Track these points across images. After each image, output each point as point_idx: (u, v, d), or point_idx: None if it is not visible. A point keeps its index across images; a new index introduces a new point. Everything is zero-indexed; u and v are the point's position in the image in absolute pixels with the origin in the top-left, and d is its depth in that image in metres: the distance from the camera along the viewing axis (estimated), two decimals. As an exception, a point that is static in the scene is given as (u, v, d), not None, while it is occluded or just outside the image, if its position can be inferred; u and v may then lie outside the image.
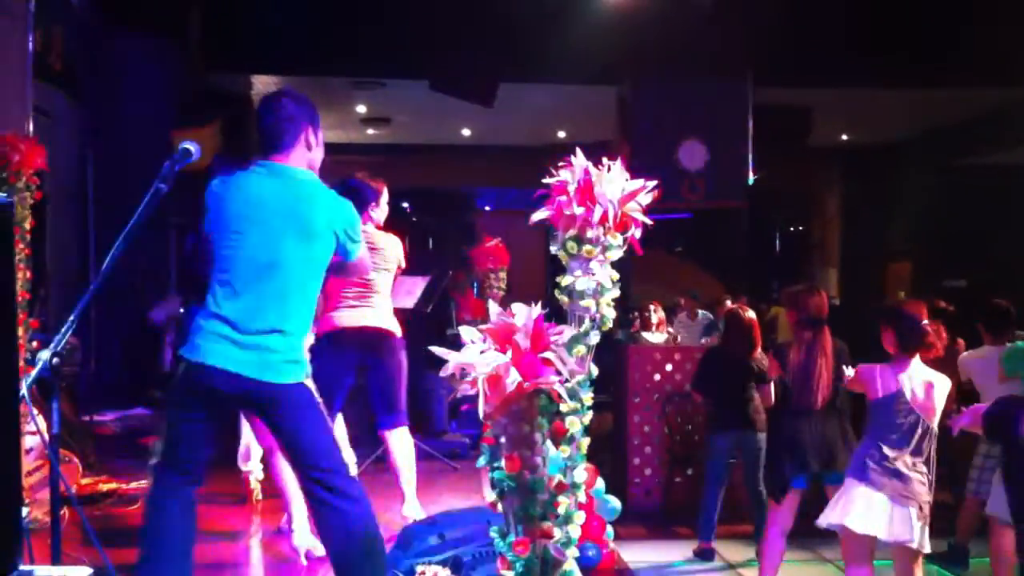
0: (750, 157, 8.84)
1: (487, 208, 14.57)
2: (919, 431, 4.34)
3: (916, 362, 4.40)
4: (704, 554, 7.13)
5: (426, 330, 7.80)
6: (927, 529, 4.30)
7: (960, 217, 12.62)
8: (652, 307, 10.26)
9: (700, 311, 11.71)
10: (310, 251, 3.20)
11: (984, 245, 12.73)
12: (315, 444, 2.99)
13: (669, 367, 8.84)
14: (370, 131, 12.93)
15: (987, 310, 6.61)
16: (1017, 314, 6.53)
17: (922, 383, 4.37)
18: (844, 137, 13.09)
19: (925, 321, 4.43)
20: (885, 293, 14.22)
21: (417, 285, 6.86)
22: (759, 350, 6.71)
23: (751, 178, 9.20)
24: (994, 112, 10.58)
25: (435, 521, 3.00)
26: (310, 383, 3.08)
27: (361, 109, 11.97)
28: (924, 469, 4.35)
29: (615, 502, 7.07)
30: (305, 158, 3.34)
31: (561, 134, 12.40)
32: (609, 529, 6.93)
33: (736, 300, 9.95)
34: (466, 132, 13.04)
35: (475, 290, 8.34)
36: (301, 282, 3.19)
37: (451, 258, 10.60)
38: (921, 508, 4.28)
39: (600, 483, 6.96)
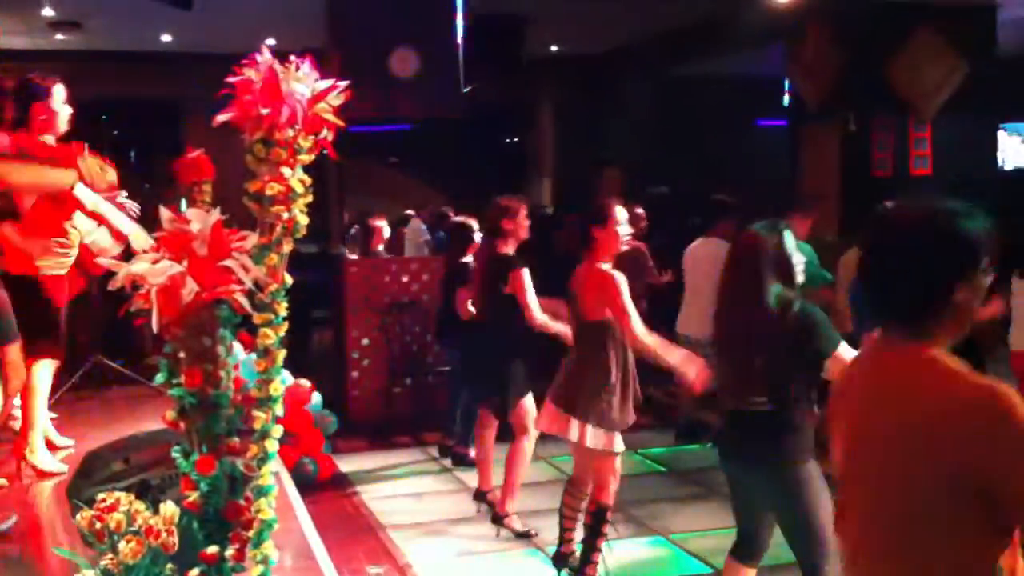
0: (461, 67, 8.79)
1: (195, 119, 13.87)
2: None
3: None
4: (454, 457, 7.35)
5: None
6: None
7: (670, 126, 13.21)
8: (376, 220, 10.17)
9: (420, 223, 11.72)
10: None
11: (693, 154, 13.41)
12: None
13: (387, 279, 8.83)
14: (59, 36, 11.94)
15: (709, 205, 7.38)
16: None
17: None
18: (555, 48, 13.33)
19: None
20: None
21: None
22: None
23: (464, 89, 9.18)
24: (704, 23, 11.02)
25: (122, 445, 2.83)
26: None
27: (48, 12, 11.02)
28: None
29: (333, 417, 7.05)
30: None
31: (271, 41, 11.91)
32: (328, 443, 6.91)
33: (459, 212, 10.01)
34: (167, 38, 12.32)
35: (182, 204, 7.91)
36: None
37: (156, 172, 10.02)
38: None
39: (317, 398, 6.89)
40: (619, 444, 4.66)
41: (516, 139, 16.24)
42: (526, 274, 5.54)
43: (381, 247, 9.68)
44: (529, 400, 5.78)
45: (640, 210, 8.51)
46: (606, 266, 4.69)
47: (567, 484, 5.13)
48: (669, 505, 6.35)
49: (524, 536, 5.77)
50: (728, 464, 3.97)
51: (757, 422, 3.73)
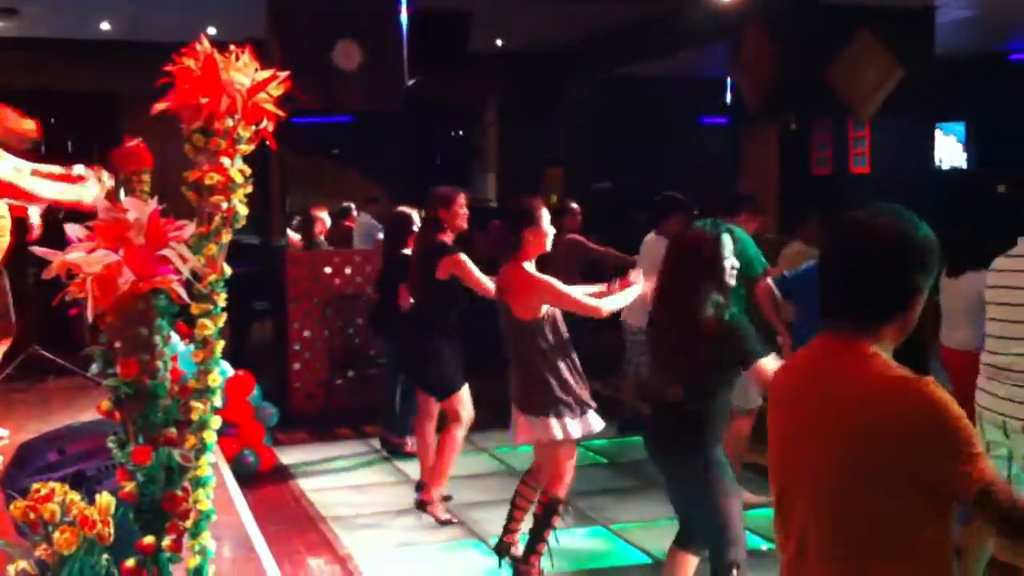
0: (405, 61, 8.77)
1: (134, 109, 13.69)
2: None
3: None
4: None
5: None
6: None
7: (614, 124, 13.29)
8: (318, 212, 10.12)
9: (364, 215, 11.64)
10: None
11: (636, 151, 13.51)
12: None
13: (328, 270, 8.79)
14: (-4, 23, 11.72)
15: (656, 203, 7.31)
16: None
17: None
18: (500, 44, 13.34)
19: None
20: (540, 196, 14.77)
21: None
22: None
23: (408, 82, 9.16)
24: (648, 22, 11.09)
25: (57, 436, 2.80)
26: None
27: (-17, -2, 10.80)
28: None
29: (274, 408, 7.01)
30: None
31: (212, 31, 11.76)
32: (269, 435, 6.87)
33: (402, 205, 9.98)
34: (105, 26, 12.13)
35: (121, 194, 7.80)
36: None
37: (94, 162, 9.87)
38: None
39: (258, 390, 6.85)
40: (575, 430, 4.70)
41: (461, 133, 16.24)
42: (464, 257, 5.60)
43: (323, 237, 9.65)
44: (463, 388, 5.82)
45: (575, 205, 8.62)
46: (530, 266, 4.74)
47: (525, 474, 5.19)
48: (611, 496, 6.41)
49: (447, 523, 5.82)
50: (651, 454, 4.10)
51: (672, 413, 3.87)
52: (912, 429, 1.98)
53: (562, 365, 4.70)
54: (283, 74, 2.55)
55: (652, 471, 6.81)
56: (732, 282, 3.84)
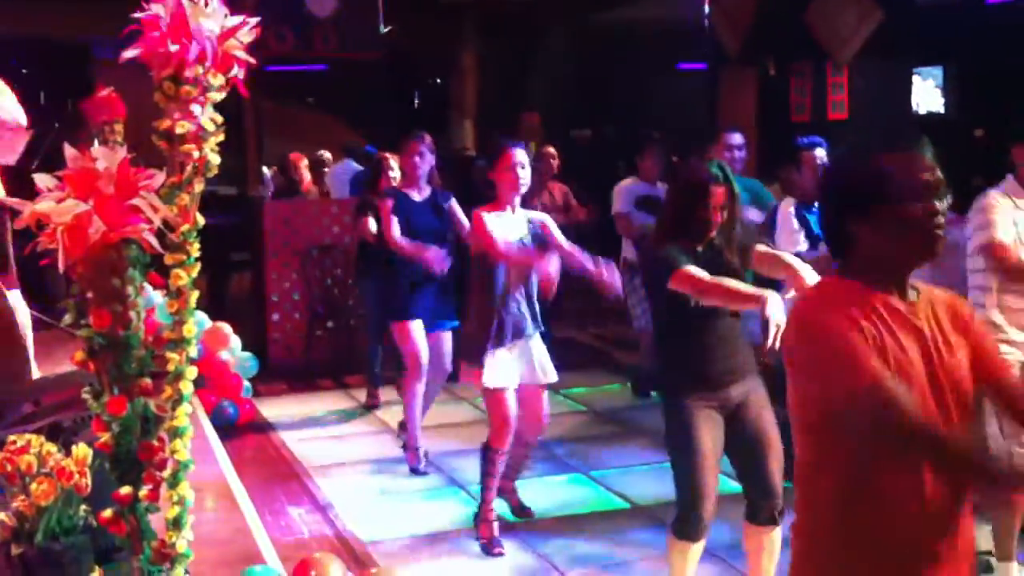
0: (381, 7, 8.68)
1: (106, 59, 13.45)
2: None
3: None
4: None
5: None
6: None
7: (590, 72, 13.21)
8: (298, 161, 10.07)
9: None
10: None
11: (608, 97, 13.44)
12: None
13: (307, 221, 8.75)
14: (-38, -29, 11.49)
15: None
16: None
17: None
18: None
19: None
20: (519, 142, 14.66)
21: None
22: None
23: (383, 29, 9.06)
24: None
25: (32, 388, 2.79)
26: None
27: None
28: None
29: (253, 359, 7.00)
30: None
31: (185, -21, 11.55)
32: (248, 385, 6.87)
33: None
34: (79, -27, 11.95)
35: (95, 145, 7.70)
36: None
37: (65, 112, 9.75)
38: None
39: (236, 341, 6.84)
40: (492, 379, 4.63)
41: (438, 81, 16.11)
42: (387, 204, 5.84)
43: (308, 177, 9.63)
44: (405, 327, 5.85)
45: (551, 149, 8.59)
46: (488, 211, 4.66)
47: None
48: (589, 443, 6.46)
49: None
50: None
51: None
52: (793, 348, 2.08)
53: (484, 307, 4.65)
54: (253, 20, 2.51)
55: (629, 418, 6.92)
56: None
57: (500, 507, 5.01)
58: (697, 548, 3.74)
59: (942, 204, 2.02)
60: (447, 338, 5.92)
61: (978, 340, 2.11)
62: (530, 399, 4.83)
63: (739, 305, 3.50)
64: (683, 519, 3.68)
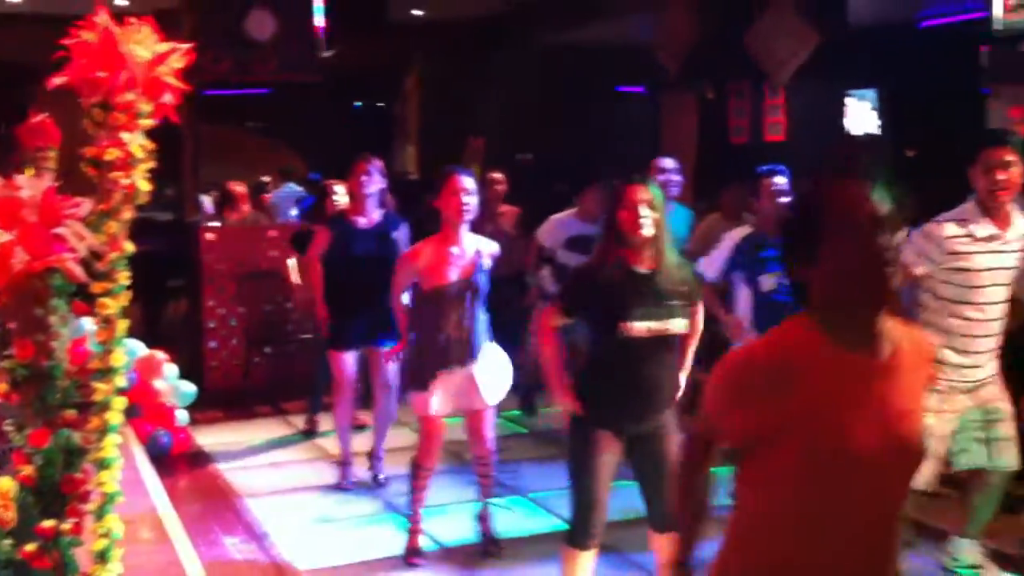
0: (322, 29, 8.66)
1: (43, 84, 13.20)
2: None
3: None
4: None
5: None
6: None
7: (533, 95, 13.26)
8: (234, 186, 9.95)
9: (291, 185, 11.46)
10: None
11: (557, 121, 13.49)
12: None
13: (243, 246, 8.68)
14: None
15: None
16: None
17: None
18: (419, 13, 13.21)
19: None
20: (464, 168, 14.61)
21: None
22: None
23: (325, 52, 9.05)
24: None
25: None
26: None
27: None
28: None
29: (189, 387, 6.91)
30: None
31: (122, 2, 11.46)
32: (183, 414, 6.77)
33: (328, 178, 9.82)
34: (15, -2, 11.78)
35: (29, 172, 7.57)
36: None
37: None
38: None
39: (172, 368, 6.75)
40: (429, 406, 4.79)
41: (381, 104, 16.10)
42: (321, 234, 5.95)
43: (247, 207, 9.51)
44: (336, 358, 5.99)
45: (498, 175, 8.56)
46: (427, 244, 4.79)
47: None
48: (529, 465, 6.45)
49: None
50: None
51: None
52: None
53: (422, 334, 4.82)
54: (184, 46, 2.49)
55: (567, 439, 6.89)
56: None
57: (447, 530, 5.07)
58: (588, 556, 3.85)
59: (889, 239, 1.78)
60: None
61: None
62: (473, 421, 4.96)
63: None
64: (575, 529, 3.85)
